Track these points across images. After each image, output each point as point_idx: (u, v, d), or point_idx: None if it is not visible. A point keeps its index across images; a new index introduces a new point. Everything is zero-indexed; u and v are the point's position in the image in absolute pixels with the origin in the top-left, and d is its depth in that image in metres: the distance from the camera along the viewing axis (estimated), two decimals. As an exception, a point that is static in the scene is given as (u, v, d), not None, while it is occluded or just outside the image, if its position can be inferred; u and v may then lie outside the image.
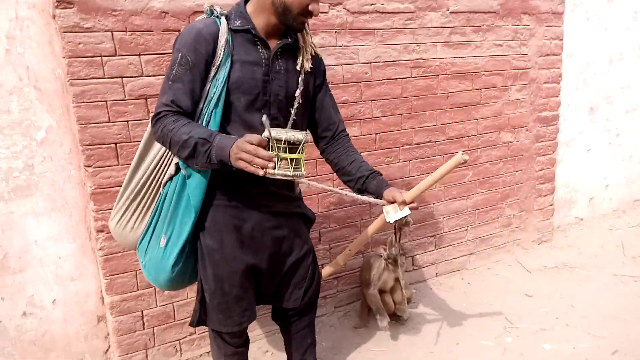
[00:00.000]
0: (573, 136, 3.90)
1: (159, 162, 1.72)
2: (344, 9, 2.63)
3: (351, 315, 2.88)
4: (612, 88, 4.05)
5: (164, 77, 1.70)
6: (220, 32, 1.57)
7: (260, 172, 1.41)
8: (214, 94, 1.57)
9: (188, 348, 2.52)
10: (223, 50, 1.55)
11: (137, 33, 2.17)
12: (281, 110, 1.69)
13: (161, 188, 1.72)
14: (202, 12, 2.22)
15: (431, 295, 3.06)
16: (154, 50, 2.21)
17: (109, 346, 2.47)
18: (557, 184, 3.81)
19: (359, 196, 1.84)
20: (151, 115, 1.75)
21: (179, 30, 2.23)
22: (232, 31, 1.60)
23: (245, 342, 1.97)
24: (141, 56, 2.19)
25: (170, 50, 2.21)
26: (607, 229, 4.01)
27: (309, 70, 1.72)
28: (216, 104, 1.57)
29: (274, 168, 1.43)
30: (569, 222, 4.05)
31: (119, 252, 2.28)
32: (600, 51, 3.92)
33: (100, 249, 2.25)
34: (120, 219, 1.80)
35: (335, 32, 2.63)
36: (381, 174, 1.90)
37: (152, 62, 2.22)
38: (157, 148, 1.74)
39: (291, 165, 1.46)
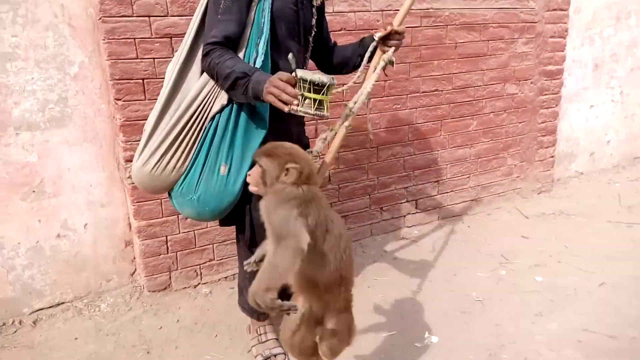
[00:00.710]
0: (577, 91, 4.02)
1: (204, 98, 1.78)
2: (358, -44, 2.74)
3: (357, 251, 3.09)
4: (618, 46, 4.14)
5: (202, 14, 1.79)
6: None
7: (286, 108, 1.56)
8: (262, 22, 1.72)
9: (207, 273, 2.74)
10: None
11: (163, -27, 2.31)
12: (306, 38, 1.89)
13: (207, 121, 1.79)
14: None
15: (432, 236, 3.25)
16: (178, -10, 2.36)
17: (135, 269, 2.70)
18: (559, 138, 3.95)
19: (365, 58, 1.87)
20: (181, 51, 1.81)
21: (202, -28, 2.36)
22: None
23: None
24: (166, -4, 2.34)
25: (194, -9, 2.37)
26: (605, 182, 4.17)
27: (317, 8, 1.92)
28: (263, 31, 1.72)
29: (298, 105, 1.54)
30: (569, 175, 4.20)
31: (146, 181, 2.48)
32: (607, 9, 3.99)
33: (128, 177, 2.45)
34: (158, 162, 1.78)
35: (349, -21, 2.75)
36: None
37: (177, 2, 2.36)
38: (199, 84, 1.79)
39: (313, 104, 1.57)
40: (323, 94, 1.56)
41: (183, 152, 1.80)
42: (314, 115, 1.57)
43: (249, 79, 1.63)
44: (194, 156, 1.81)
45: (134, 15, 2.30)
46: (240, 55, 1.74)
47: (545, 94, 3.65)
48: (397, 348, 2.17)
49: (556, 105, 3.75)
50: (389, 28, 1.80)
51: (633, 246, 3.04)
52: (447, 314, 2.40)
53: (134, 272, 2.70)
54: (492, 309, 2.43)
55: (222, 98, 1.77)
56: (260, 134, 1.79)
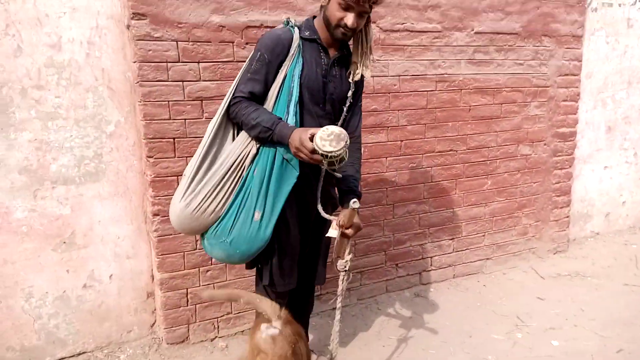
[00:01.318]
0: (590, 153, 4.09)
1: (244, 148, 1.95)
2: (378, 27, 2.92)
3: (372, 307, 3.12)
4: (630, 109, 4.24)
5: (234, 75, 2.13)
6: (293, 38, 1.93)
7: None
8: (292, 86, 1.92)
9: (224, 326, 2.79)
10: (295, 51, 1.92)
11: (198, 43, 2.50)
12: (333, 107, 2.06)
13: (246, 169, 1.96)
14: (253, 26, 2.58)
15: (447, 294, 3.27)
16: (211, 58, 2.53)
17: (155, 320, 2.76)
18: (573, 199, 3.99)
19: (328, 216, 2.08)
20: (220, 111, 1.98)
21: (233, 42, 2.55)
22: (302, 39, 1.96)
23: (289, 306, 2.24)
24: (200, 63, 2.52)
25: (226, 59, 2.55)
26: (622, 243, 4.16)
27: (355, 83, 2.08)
28: (292, 93, 1.93)
29: (324, 165, 1.85)
30: (584, 235, 4.21)
31: (171, 234, 2.58)
32: (619, 73, 4.12)
33: (155, 231, 2.56)
34: (199, 204, 1.91)
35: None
36: (357, 195, 2.12)
37: (209, 69, 2.54)
38: (242, 136, 1.96)
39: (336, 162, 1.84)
40: (337, 161, 1.82)
41: (224, 196, 1.95)
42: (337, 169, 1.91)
43: (271, 132, 1.87)
44: (232, 201, 1.96)
45: (169, 80, 2.47)
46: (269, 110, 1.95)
47: (559, 155, 3.73)
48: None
49: (570, 167, 3.82)
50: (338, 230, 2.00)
51: (650, 311, 3.02)
52: (462, 377, 2.41)
53: (153, 324, 2.76)
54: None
55: (253, 149, 1.95)
56: (290, 182, 1.94)
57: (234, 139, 2.00)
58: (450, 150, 3.31)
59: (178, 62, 2.47)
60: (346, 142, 1.78)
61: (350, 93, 2.06)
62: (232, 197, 1.96)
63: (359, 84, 2.14)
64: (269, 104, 1.95)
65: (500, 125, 3.46)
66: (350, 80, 2.05)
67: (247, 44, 2.58)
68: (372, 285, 3.21)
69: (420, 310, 3.08)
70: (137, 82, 2.45)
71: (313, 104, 2.00)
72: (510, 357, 2.57)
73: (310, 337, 2.58)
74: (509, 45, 3.38)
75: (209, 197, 1.94)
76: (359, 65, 2.04)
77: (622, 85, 4.15)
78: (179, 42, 2.46)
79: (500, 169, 3.52)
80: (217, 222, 1.97)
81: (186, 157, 2.55)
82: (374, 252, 3.17)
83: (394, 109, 3.07)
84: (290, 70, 1.93)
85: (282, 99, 1.94)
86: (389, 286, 3.26)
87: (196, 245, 2.65)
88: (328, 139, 1.78)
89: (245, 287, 2.79)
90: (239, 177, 1.96)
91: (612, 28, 4.00)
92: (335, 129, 1.80)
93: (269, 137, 1.88)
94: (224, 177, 1.94)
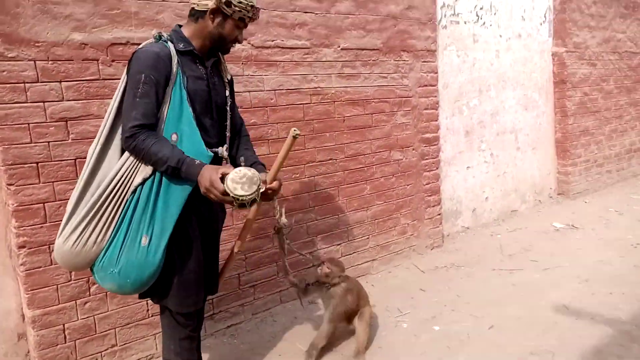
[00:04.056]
0: (454, 155, 4.53)
1: (124, 173, 1.86)
2: (249, 43, 3.01)
3: (267, 320, 3.13)
4: (483, 114, 4.78)
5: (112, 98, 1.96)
6: (171, 53, 1.90)
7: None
8: (178, 103, 1.88)
9: None
10: (176, 66, 1.89)
11: (59, 62, 2.38)
12: (219, 113, 2.08)
13: (128, 194, 1.86)
14: (119, 44, 2.53)
15: (339, 297, 3.39)
16: (74, 77, 2.43)
17: (29, 364, 2.52)
18: (443, 197, 4.38)
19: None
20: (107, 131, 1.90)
21: (98, 60, 2.47)
22: (178, 52, 1.93)
23: (197, 329, 2.17)
24: (62, 83, 2.40)
25: (91, 77, 2.46)
26: (488, 235, 4.64)
27: (229, 82, 2.15)
28: (180, 110, 1.89)
29: (234, 206, 1.82)
30: (456, 230, 4.62)
31: (40, 267, 2.39)
32: (470, 83, 4.64)
33: (22, 265, 2.35)
34: (79, 237, 1.83)
35: (242, 63, 2.99)
36: (262, 164, 2.22)
37: (73, 88, 2.43)
38: (120, 161, 1.87)
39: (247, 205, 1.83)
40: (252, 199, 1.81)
41: (103, 226, 1.85)
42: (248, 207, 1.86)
43: (178, 170, 1.82)
44: (114, 229, 1.87)
45: (28, 101, 2.32)
46: (158, 133, 1.88)
47: (426, 159, 4.09)
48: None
49: (437, 168, 4.20)
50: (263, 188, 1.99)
51: (515, 290, 3.40)
52: (355, 371, 2.51)
53: (27, 368, 2.52)
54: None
55: (144, 171, 1.86)
56: (177, 202, 1.89)
57: None
58: (330, 159, 3.47)
59: (37, 82, 2.34)
60: (258, 185, 1.79)
61: (227, 93, 2.12)
62: (113, 225, 1.87)
63: (231, 82, 2.20)
64: (159, 126, 1.89)
65: (373, 133, 3.71)
66: (225, 80, 2.12)
67: (113, 61, 2.52)
68: (266, 298, 3.22)
69: (314, 315, 3.15)
70: (-9, 106, 2.27)
71: (203, 115, 1.99)
72: (396, 344, 2.73)
73: (205, 358, 2.52)
74: (372, 60, 3.67)
75: (87, 228, 1.84)
76: (226, 66, 2.14)
77: (474, 93, 4.68)
78: (37, 62, 2.33)
79: (376, 174, 3.76)
80: (102, 253, 1.87)
81: (53, 182, 2.40)
82: (265, 265, 3.20)
83: (272, 122, 3.16)
84: (177, 87, 1.89)
85: (171, 117, 1.89)
86: (283, 297, 3.30)
87: (71, 276, 2.47)
88: (240, 181, 1.77)
89: (129, 315, 2.66)
90: (120, 203, 1.87)
91: (461, 43, 4.52)
92: (248, 172, 1.80)
93: (175, 174, 1.84)
94: (103, 205, 1.85)
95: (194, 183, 1.87)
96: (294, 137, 1.97)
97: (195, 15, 1.97)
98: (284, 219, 2.30)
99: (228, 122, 2.12)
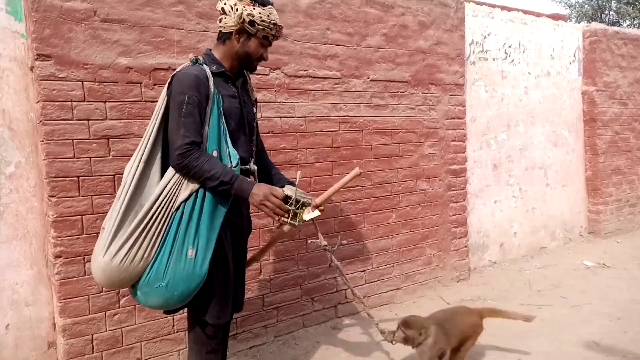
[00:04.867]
0: (481, 188, 4.52)
1: (169, 190, 1.94)
2: (282, 72, 3.15)
3: (290, 343, 3.12)
4: (511, 149, 4.78)
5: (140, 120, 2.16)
6: (207, 74, 2.01)
7: (276, 218, 2.04)
8: (216, 121, 1.99)
9: (135, 373, 2.66)
10: (213, 87, 2.00)
11: (105, 83, 2.55)
12: (249, 129, 2.19)
13: (172, 211, 1.93)
14: (161, 69, 2.68)
15: (363, 325, 3.37)
16: (117, 98, 2.59)
17: (57, 373, 2.58)
18: (470, 230, 4.35)
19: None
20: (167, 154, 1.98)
21: (141, 83, 2.63)
22: (212, 74, 2.05)
23: (223, 341, 2.21)
24: (106, 103, 2.56)
25: (134, 99, 2.62)
26: (516, 270, 4.55)
27: (255, 100, 2.29)
28: (219, 128, 2.00)
29: (288, 218, 2.01)
30: (483, 264, 4.56)
31: (74, 277, 2.49)
32: (498, 118, 4.67)
33: (57, 274, 2.45)
34: (127, 254, 1.87)
35: (275, 90, 3.12)
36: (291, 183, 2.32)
37: (116, 108, 2.58)
38: (165, 179, 1.95)
39: (297, 216, 2.04)
40: (300, 208, 2.05)
41: (150, 242, 1.89)
42: (297, 225, 2.06)
43: (230, 186, 1.93)
44: (160, 244, 1.91)
45: (74, 118, 2.47)
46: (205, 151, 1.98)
47: (453, 190, 4.09)
48: None
49: (463, 200, 4.19)
50: (316, 211, 2.16)
51: (543, 325, 3.31)
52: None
53: (55, 376, 2.58)
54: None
55: (190, 188, 1.94)
56: (220, 214, 1.98)
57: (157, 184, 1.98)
58: (357, 186, 3.52)
59: (83, 101, 2.50)
60: (311, 197, 2.06)
61: (255, 110, 2.25)
62: (159, 240, 1.92)
63: (256, 100, 2.32)
64: (203, 144, 1.98)
65: (400, 162, 3.76)
66: (252, 99, 2.25)
67: (155, 85, 2.67)
68: (289, 321, 3.23)
69: (337, 342, 3.13)
70: (40, 122, 2.43)
71: (238, 132, 2.11)
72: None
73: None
74: (401, 92, 3.76)
75: (134, 245, 1.88)
76: (251, 85, 2.28)
77: (502, 128, 4.70)
78: (84, 82, 2.50)
79: (402, 203, 3.78)
80: (149, 268, 1.91)
81: (91, 195, 2.52)
82: (289, 287, 3.23)
83: (302, 148, 3.25)
84: (214, 106, 2.00)
85: (211, 134, 1.99)
86: (306, 321, 3.30)
87: (102, 288, 2.56)
88: (297, 190, 2.02)
89: (156, 330, 2.71)
90: (166, 219, 1.93)
91: (489, 79, 4.58)
92: (297, 189, 2.04)
93: (225, 191, 1.93)
94: (150, 221, 1.90)
95: (234, 197, 1.98)
96: (358, 175, 2.23)
97: (223, 37, 2.11)
98: (324, 240, 2.41)
99: (255, 137, 2.23)
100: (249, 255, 2.36)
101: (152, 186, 1.96)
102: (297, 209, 2.02)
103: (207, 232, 1.94)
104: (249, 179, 2.01)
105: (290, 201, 2.00)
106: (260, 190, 1.96)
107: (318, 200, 2.18)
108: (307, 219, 2.18)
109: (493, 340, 3.07)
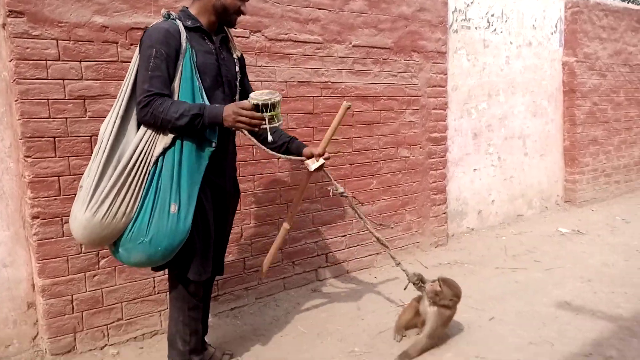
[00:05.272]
0: (461, 157, 4.58)
1: (145, 144, 1.93)
2: (263, 35, 3.11)
3: (270, 305, 3.18)
4: (491, 118, 4.83)
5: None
6: (180, 29, 1.99)
7: (256, 129, 2.00)
8: (188, 76, 1.97)
9: (115, 333, 2.68)
10: (185, 42, 1.98)
11: (80, 42, 2.49)
12: (230, 88, 2.17)
13: (150, 165, 1.93)
14: (138, 28, 2.63)
15: (343, 287, 3.44)
16: (93, 57, 2.53)
17: (37, 333, 2.59)
18: (449, 198, 4.42)
19: (286, 156, 2.35)
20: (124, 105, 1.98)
21: (117, 42, 2.58)
22: (186, 29, 2.02)
23: (205, 299, 2.28)
24: (82, 62, 2.51)
25: (110, 59, 2.57)
26: (493, 237, 4.65)
27: (238, 59, 2.24)
28: (191, 83, 1.98)
29: (266, 124, 1.99)
30: (461, 231, 4.65)
31: (53, 238, 2.48)
32: (480, 87, 4.70)
33: (34, 234, 2.43)
34: (108, 209, 1.87)
35: (256, 54, 3.09)
36: (297, 138, 2.40)
37: (92, 68, 2.53)
38: (139, 134, 1.94)
39: (274, 119, 2.01)
40: (277, 110, 2.01)
41: (131, 197, 1.91)
42: (278, 126, 2.06)
43: (201, 117, 1.92)
44: (141, 200, 1.92)
45: (49, 78, 2.42)
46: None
47: (433, 157, 4.14)
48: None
49: (443, 168, 4.24)
50: (320, 160, 2.32)
51: (517, 287, 3.42)
52: (353, 353, 2.55)
53: (35, 336, 2.59)
54: (393, 346, 2.61)
55: (163, 141, 1.94)
56: (200, 170, 1.99)
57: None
58: (338, 152, 3.53)
59: (58, 60, 2.45)
60: (279, 95, 2.01)
61: (237, 69, 2.21)
62: (141, 195, 1.92)
63: (242, 60, 2.29)
64: (172, 99, 1.96)
65: (381, 129, 3.78)
66: (234, 57, 2.21)
67: (131, 44, 2.62)
68: (271, 284, 3.28)
69: (317, 303, 3.19)
70: (14, 80, 2.38)
71: (214, 89, 2.09)
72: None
73: (211, 337, 2.57)
74: (383, 59, 3.75)
75: (115, 200, 1.88)
76: (234, 42, 2.24)
77: (483, 97, 4.74)
78: (59, 41, 2.44)
79: (383, 170, 3.82)
80: (131, 224, 1.92)
81: (68, 157, 2.49)
82: (269, 251, 3.26)
83: (283, 113, 3.19)
84: (186, 61, 1.98)
85: (182, 90, 1.98)
86: (287, 284, 3.35)
87: (81, 249, 2.55)
88: (262, 93, 1.99)
89: (137, 291, 2.73)
90: (144, 174, 1.93)
91: (471, 47, 4.59)
92: (264, 90, 2.02)
93: (198, 124, 1.92)
94: (128, 177, 1.90)
95: (211, 150, 1.99)
96: (347, 108, 2.29)
97: None
98: (340, 187, 2.56)
99: (237, 97, 2.21)
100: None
101: (129, 142, 1.95)
102: (270, 111, 1.99)
103: (188, 187, 1.95)
104: (217, 105, 1.99)
105: (261, 106, 1.97)
106: (229, 110, 1.95)
107: (319, 148, 2.29)
108: (313, 169, 2.30)
109: (469, 301, 3.15)
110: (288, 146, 2.36)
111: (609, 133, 6.01)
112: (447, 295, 2.52)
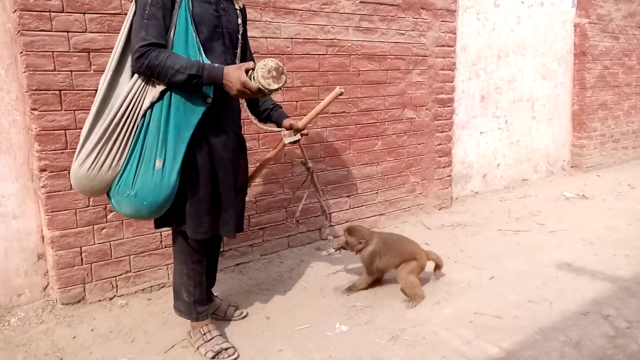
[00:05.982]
0: (467, 119, 4.54)
1: (133, 97, 1.91)
2: (268, -10, 3.05)
3: (275, 261, 3.23)
4: (500, 80, 4.76)
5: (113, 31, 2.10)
6: None
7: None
8: (183, 26, 1.92)
9: (123, 285, 2.75)
10: None
11: (83, -7, 2.46)
12: (231, 40, 2.11)
13: (138, 119, 1.92)
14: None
15: (346, 246, 3.49)
16: (97, 10, 2.50)
17: (48, 283, 2.66)
18: (454, 161, 4.41)
19: (264, 125, 2.30)
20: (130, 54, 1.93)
21: (121, -6, 2.54)
22: None
23: (206, 254, 2.26)
24: (86, 14, 2.48)
25: (114, 11, 2.54)
26: (497, 200, 4.67)
27: (240, 10, 2.18)
28: (186, 34, 1.93)
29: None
30: (465, 194, 4.66)
31: (61, 191, 2.51)
32: (489, 48, 4.61)
33: (42, 187, 2.47)
34: (94, 161, 1.88)
35: (260, 8, 3.04)
36: (281, 107, 2.34)
37: (96, 20, 2.51)
38: (128, 86, 1.92)
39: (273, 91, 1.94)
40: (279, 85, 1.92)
41: (118, 150, 1.90)
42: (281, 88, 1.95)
43: (200, 78, 1.87)
44: (128, 153, 1.92)
45: (53, 30, 2.40)
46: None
47: (439, 119, 4.11)
48: (311, 339, 2.32)
49: (449, 130, 4.22)
50: (297, 135, 2.23)
51: (519, 248, 3.45)
52: (355, 307, 2.61)
53: (46, 286, 2.66)
54: (394, 301, 2.67)
55: (151, 95, 1.91)
56: (188, 127, 1.94)
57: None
58: (343, 112, 3.52)
59: (62, 12, 2.42)
60: (286, 73, 1.93)
61: (240, 21, 2.15)
62: (128, 148, 1.92)
63: (243, 12, 2.23)
64: (167, 49, 1.92)
65: (387, 90, 3.74)
66: (236, 8, 2.15)
67: (136, -4, 2.58)
68: (275, 241, 3.33)
69: (320, 261, 3.25)
70: (18, 32, 2.36)
71: (212, 41, 2.02)
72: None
73: (217, 290, 2.63)
74: (391, 16, 3.67)
75: (101, 152, 1.88)
76: None
77: (492, 58, 4.66)
78: (62, -9, 2.41)
79: (388, 131, 3.80)
80: (118, 177, 1.93)
81: (74, 110, 2.50)
82: (275, 209, 3.29)
83: (288, 70, 3.18)
84: (182, 10, 1.93)
85: (177, 40, 1.93)
86: (291, 242, 3.40)
87: (89, 202, 2.59)
88: (270, 76, 1.88)
89: (144, 244, 2.78)
90: (131, 127, 1.92)
91: (481, 6, 4.48)
92: (272, 64, 1.89)
93: (196, 84, 1.88)
94: (115, 129, 1.89)
95: (204, 107, 1.94)
96: (340, 94, 2.26)
97: None
98: (310, 163, 2.50)
99: (239, 50, 2.15)
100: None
101: (119, 95, 1.93)
102: (280, 89, 1.96)
103: (174, 143, 1.92)
104: (216, 65, 1.91)
105: (270, 91, 1.92)
106: (233, 78, 1.88)
107: (300, 123, 2.22)
108: (287, 142, 2.24)
109: (470, 260, 3.20)
110: (270, 113, 2.31)
111: (619, 98, 5.92)
112: (355, 242, 2.72)
